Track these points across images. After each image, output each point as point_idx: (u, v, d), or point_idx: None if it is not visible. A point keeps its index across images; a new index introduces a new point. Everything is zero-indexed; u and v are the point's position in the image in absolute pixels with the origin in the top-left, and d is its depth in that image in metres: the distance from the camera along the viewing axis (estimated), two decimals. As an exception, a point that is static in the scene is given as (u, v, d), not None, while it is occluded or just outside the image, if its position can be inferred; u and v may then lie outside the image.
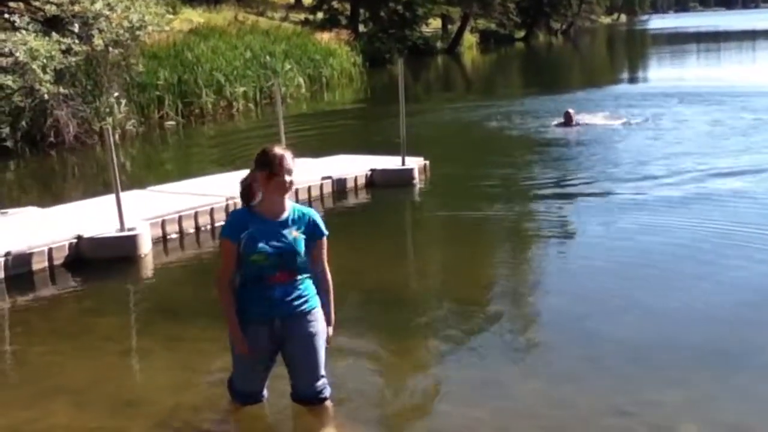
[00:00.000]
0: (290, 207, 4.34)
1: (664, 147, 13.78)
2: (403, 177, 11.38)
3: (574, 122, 16.05)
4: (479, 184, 11.60)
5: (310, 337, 4.36)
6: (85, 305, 7.26)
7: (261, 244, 4.20)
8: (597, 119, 16.75)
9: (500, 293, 7.14)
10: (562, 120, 16.19)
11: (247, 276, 4.27)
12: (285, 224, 4.28)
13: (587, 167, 12.30)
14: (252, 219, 4.26)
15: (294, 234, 4.26)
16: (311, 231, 4.35)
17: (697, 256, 7.73)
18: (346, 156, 12.41)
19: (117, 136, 15.34)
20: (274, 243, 4.22)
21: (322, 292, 4.45)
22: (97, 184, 12.02)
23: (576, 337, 5.95)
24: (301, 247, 4.27)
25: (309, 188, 10.52)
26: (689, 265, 7.50)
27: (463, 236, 9.21)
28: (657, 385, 5.08)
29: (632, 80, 32.28)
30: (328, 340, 4.51)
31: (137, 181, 11.42)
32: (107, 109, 16.22)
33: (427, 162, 11.96)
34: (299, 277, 4.32)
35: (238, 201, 9.29)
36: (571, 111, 16.28)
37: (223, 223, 9.13)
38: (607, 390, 5.06)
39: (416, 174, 11.47)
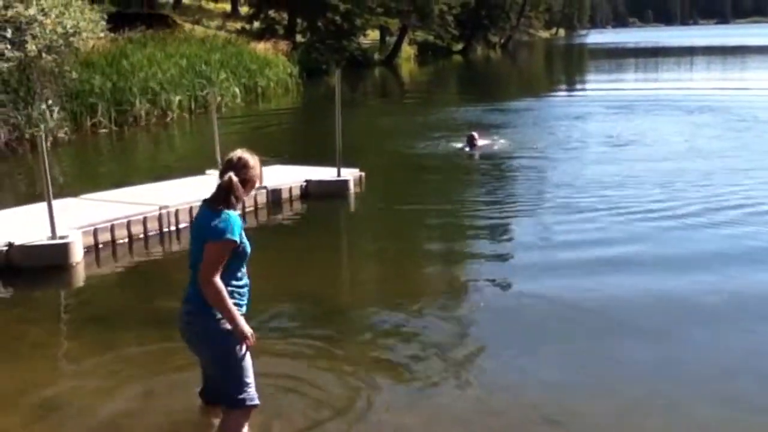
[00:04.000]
0: None
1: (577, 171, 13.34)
2: (339, 188, 11.44)
3: (478, 145, 15.44)
4: (413, 196, 11.72)
5: None
6: (14, 313, 7.20)
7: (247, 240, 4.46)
8: (498, 144, 16.02)
9: (436, 304, 7.20)
10: (465, 144, 15.53)
11: (238, 271, 4.41)
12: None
13: (512, 185, 12.59)
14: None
15: None
16: None
17: (630, 265, 7.97)
18: (281, 166, 12.35)
19: (49, 144, 15.13)
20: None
21: None
22: (29, 191, 11.85)
23: (511, 348, 6.06)
24: None
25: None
26: (630, 274, 7.73)
27: (398, 248, 9.30)
28: (586, 395, 5.25)
29: (568, 93, 32.59)
30: None
31: (70, 189, 11.29)
32: (40, 116, 15.96)
33: (363, 173, 12.01)
34: None
35: (171, 210, 9.39)
36: (474, 134, 15.63)
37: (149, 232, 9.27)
38: (539, 399, 5.18)
39: (351, 186, 11.55)
